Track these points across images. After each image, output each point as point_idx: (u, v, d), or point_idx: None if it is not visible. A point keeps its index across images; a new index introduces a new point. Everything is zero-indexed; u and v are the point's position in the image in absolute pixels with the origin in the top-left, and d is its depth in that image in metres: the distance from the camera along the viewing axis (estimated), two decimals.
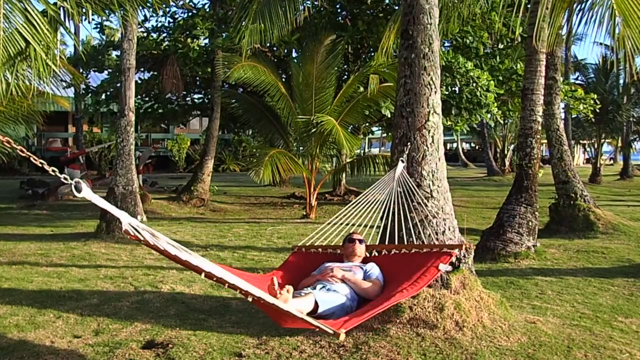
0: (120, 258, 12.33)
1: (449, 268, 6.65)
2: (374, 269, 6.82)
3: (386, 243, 7.36)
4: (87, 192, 4.22)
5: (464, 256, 7.69)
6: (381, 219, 7.48)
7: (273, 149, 19.57)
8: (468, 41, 20.84)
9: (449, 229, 7.70)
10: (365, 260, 7.13)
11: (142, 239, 4.60)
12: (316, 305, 5.90)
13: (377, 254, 7.21)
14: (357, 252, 7.08)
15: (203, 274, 4.83)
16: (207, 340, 7.14)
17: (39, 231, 15.99)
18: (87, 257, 12.44)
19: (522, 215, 12.65)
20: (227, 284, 4.91)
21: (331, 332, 5.12)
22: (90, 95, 24.95)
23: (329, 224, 7.55)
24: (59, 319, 8.06)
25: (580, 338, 7.33)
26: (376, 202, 7.57)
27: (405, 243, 7.07)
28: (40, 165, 4.29)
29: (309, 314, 5.77)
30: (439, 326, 7.03)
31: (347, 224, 7.54)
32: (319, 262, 7.26)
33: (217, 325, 7.80)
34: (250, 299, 5.08)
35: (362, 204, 7.60)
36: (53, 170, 4.26)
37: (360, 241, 7.17)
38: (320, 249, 7.56)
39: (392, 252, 7.05)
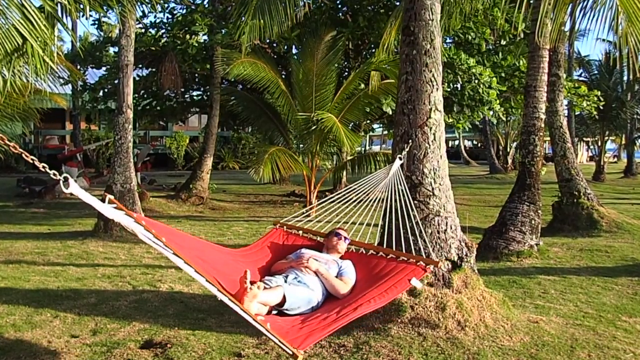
0: (118, 257, 12.33)
1: (421, 285, 6.61)
2: (348, 268, 6.77)
3: (385, 242, 7.35)
4: (73, 188, 4.24)
5: (466, 255, 7.70)
6: (382, 217, 7.47)
7: (273, 146, 19.54)
8: (470, 37, 20.82)
9: (451, 228, 7.70)
10: (343, 257, 7.09)
11: (125, 210, 4.67)
12: (284, 298, 5.92)
13: (354, 251, 7.17)
14: (339, 248, 7.05)
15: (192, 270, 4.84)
16: (206, 340, 7.14)
17: (36, 229, 15.99)
18: (84, 255, 12.44)
19: (525, 213, 12.65)
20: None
21: (290, 352, 5.09)
22: (87, 92, 24.92)
23: (321, 207, 7.58)
24: (56, 319, 8.06)
25: (583, 338, 7.33)
26: (377, 200, 7.56)
27: (404, 242, 7.05)
28: (31, 162, 4.31)
29: (275, 306, 5.89)
30: (440, 326, 7.03)
31: (349, 223, 7.53)
32: (298, 245, 7.30)
33: (216, 325, 7.81)
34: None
35: (362, 202, 7.59)
36: (43, 167, 4.28)
37: (345, 239, 7.12)
38: (301, 232, 7.54)
39: (370, 253, 7.03)
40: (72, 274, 10.73)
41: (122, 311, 8.47)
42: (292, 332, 5.44)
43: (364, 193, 7.64)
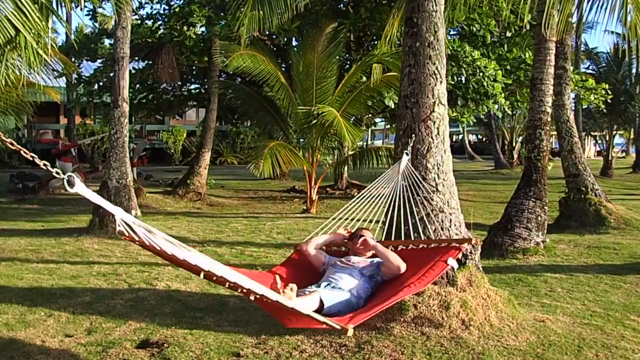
0: (114, 254, 12.32)
1: (456, 265, 6.64)
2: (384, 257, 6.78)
3: (392, 239, 7.35)
4: (80, 187, 4.17)
5: (471, 252, 7.69)
6: (385, 214, 7.46)
7: (272, 141, 19.56)
8: (475, 29, 20.81)
9: (455, 225, 7.69)
10: (372, 257, 7.02)
11: (137, 239, 4.57)
12: (321, 303, 5.87)
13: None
14: (361, 250, 6.97)
15: (202, 274, 4.80)
16: (203, 340, 7.13)
17: (29, 226, 15.99)
18: (79, 253, 12.44)
19: (531, 209, 12.64)
20: (227, 284, 4.88)
21: (339, 327, 5.11)
22: (82, 85, 24.94)
23: (333, 219, 7.53)
24: (50, 318, 8.05)
25: (591, 337, 7.33)
26: (380, 197, 7.56)
27: (410, 239, 7.06)
28: (30, 158, 4.25)
29: (315, 312, 5.71)
30: (444, 325, 7.03)
31: (351, 219, 7.53)
32: (322, 259, 7.21)
33: (214, 324, 7.80)
34: (252, 298, 5.04)
35: (366, 199, 7.58)
36: (45, 164, 4.22)
37: (371, 239, 7.03)
38: (324, 247, 7.48)
39: (399, 248, 7.01)
40: (67, 272, 10.72)
41: (117, 310, 8.47)
42: (336, 319, 5.53)
43: (376, 190, 7.62)
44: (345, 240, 7.31)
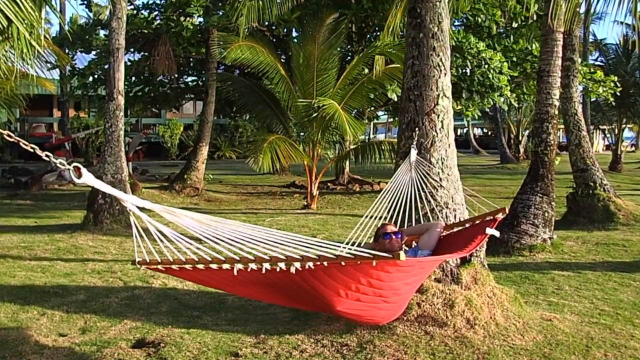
0: (109, 251, 12.33)
1: (497, 233, 6.56)
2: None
3: None
4: (88, 177, 4.14)
5: (476, 249, 7.68)
6: (388, 210, 7.45)
7: (272, 134, 19.53)
8: (480, 20, 20.80)
9: (459, 220, 7.68)
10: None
11: (160, 265, 4.57)
12: None
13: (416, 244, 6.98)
14: (396, 247, 6.57)
15: (235, 270, 4.72)
16: (201, 339, 7.14)
17: (21, 222, 15.99)
18: (73, 250, 12.45)
19: (538, 205, 12.63)
20: (268, 265, 4.75)
21: (390, 255, 4.96)
22: (76, 77, 24.93)
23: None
24: (43, 316, 8.06)
25: (599, 336, 7.33)
26: (384, 192, 7.53)
27: None
28: (31, 150, 4.21)
29: None
30: (448, 324, 7.03)
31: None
32: None
33: (212, 323, 7.81)
34: (293, 270, 4.82)
35: (388, 195, 7.46)
36: (47, 155, 4.20)
37: (396, 234, 6.67)
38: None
39: None
40: (60, 269, 10.72)
41: (112, 308, 8.47)
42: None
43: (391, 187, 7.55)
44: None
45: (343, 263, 4.83)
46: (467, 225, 6.78)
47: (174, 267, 4.72)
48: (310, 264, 4.76)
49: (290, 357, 6.57)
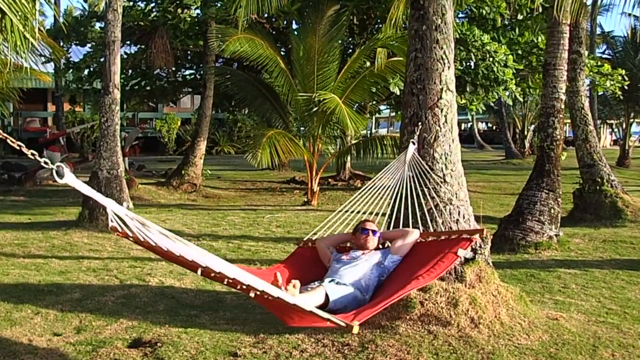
0: (105, 248, 12.33)
1: (470, 254, 6.62)
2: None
3: None
4: (70, 178, 4.16)
5: (480, 247, 7.68)
6: (390, 206, 7.45)
7: (271, 129, 19.50)
8: (484, 12, 20.78)
9: (463, 217, 7.68)
10: (378, 249, 6.99)
11: (130, 235, 4.57)
12: (327, 298, 5.83)
13: (389, 246, 7.10)
14: (370, 245, 6.91)
15: (199, 271, 4.78)
16: (199, 339, 7.13)
17: (15, 219, 15.99)
18: (68, 247, 12.44)
19: (544, 201, 12.62)
20: (226, 280, 4.86)
21: (344, 324, 5.09)
22: (71, 70, 24.91)
23: (338, 212, 7.51)
24: (37, 315, 8.05)
25: (607, 336, 7.32)
26: (385, 188, 7.53)
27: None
28: (17, 147, 4.23)
29: (320, 307, 5.68)
30: (452, 323, 7.03)
31: (353, 212, 7.51)
32: (329, 255, 7.18)
33: (210, 322, 7.80)
34: (252, 294, 5.00)
35: (370, 191, 7.56)
36: (32, 154, 4.20)
37: (374, 232, 6.97)
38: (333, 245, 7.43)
39: None
40: (55, 267, 10.72)
41: (108, 307, 8.47)
42: (341, 315, 5.48)
43: (380, 181, 7.59)
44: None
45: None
46: (442, 237, 6.77)
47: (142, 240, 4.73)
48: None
49: (290, 357, 6.56)
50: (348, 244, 7.32)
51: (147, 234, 4.59)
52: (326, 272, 6.72)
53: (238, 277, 4.81)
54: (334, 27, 19.32)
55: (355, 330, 5.14)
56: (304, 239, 7.60)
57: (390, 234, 7.04)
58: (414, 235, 6.80)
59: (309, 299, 5.61)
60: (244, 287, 4.91)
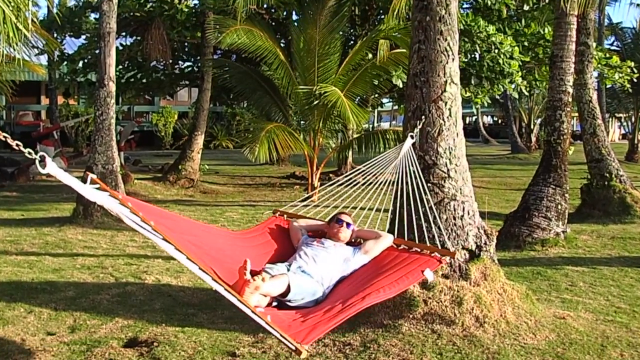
0: (100, 245, 12.33)
1: (433, 277, 6.60)
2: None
3: (396, 229, 7.31)
4: (51, 168, 4.16)
5: (486, 243, 7.68)
6: (393, 202, 7.44)
7: (270, 123, 19.47)
8: (489, 2, 20.73)
9: (468, 213, 7.68)
10: (349, 245, 6.97)
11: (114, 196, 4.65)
12: (288, 288, 5.85)
13: (362, 242, 7.05)
14: (341, 236, 6.87)
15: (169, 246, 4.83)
16: (196, 338, 7.14)
17: (7, 215, 15.98)
18: (62, 244, 12.44)
19: (551, 197, 12.62)
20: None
21: (293, 347, 5.07)
22: (65, 63, 24.88)
23: (322, 194, 7.53)
24: (30, 314, 8.05)
25: (615, 335, 7.32)
26: (386, 183, 7.52)
27: (417, 230, 7.04)
28: (3, 139, 4.25)
29: (277, 297, 5.84)
30: (457, 322, 7.03)
31: (353, 207, 7.50)
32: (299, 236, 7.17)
33: (207, 321, 7.80)
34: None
35: (370, 185, 7.55)
36: (17, 145, 4.21)
37: (348, 225, 6.94)
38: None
39: None
40: (48, 265, 10.72)
41: (103, 306, 8.47)
42: (294, 326, 5.41)
43: (373, 175, 7.59)
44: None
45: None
46: (414, 248, 6.72)
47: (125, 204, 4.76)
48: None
49: (290, 357, 6.56)
50: (320, 231, 7.30)
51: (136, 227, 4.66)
52: (294, 252, 6.72)
53: (192, 268, 4.87)
54: (335, 17, 19.28)
55: (304, 355, 5.09)
56: (281, 209, 7.55)
57: (364, 233, 7.02)
58: (387, 240, 6.78)
59: (272, 286, 5.72)
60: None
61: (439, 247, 6.73)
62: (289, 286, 5.86)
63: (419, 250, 6.64)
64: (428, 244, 6.86)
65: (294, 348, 5.01)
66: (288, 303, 5.93)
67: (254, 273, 5.53)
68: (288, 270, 6.22)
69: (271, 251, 6.81)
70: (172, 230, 5.13)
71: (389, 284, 6.00)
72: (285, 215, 7.44)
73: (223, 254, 6.14)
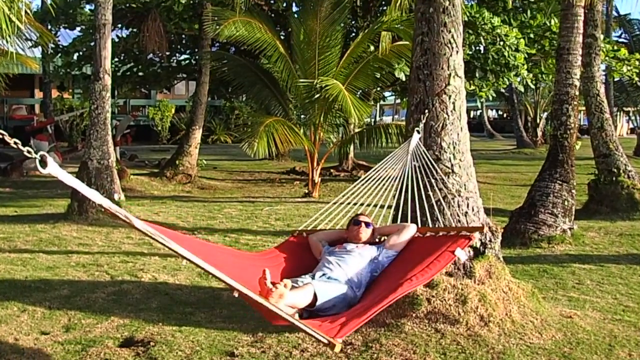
0: (95, 243, 12.32)
1: (466, 255, 6.60)
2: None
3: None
4: (53, 168, 4.12)
5: (490, 241, 7.67)
6: (395, 198, 7.43)
7: (270, 117, 19.49)
8: None
9: (473, 210, 7.67)
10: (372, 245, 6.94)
11: (121, 216, 4.56)
12: (315, 297, 5.77)
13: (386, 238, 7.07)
14: (362, 236, 6.85)
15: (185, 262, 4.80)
16: (194, 337, 7.13)
17: (0, 212, 15.97)
18: (56, 241, 12.44)
19: (557, 193, 12.61)
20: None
21: (325, 341, 5.06)
22: (60, 55, 24.94)
23: (334, 204, 7.50)
24: (24, 313, 8.05)
25: (623, 335, 7.31)
26: (389, 179, 7.52)
27: (421, 225, 7.04)
28: (0, 136, 4.21)
29: (306, 307, 5.72)
30: (461, 321, 7.02)
31: (356, 204, 7.50)
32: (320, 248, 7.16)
33: (205, 320, 7.79)
34: (236, 294, 5.01)
35: (372, 181, 7.54)
36: (15, 142, 4.17)
37: (367, 224, 6.93)
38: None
39: None
40: (42, 262, 10.71)
41: (98, 304, 8.46)
42: (325, 325, 5.41)
43: (385, 174, 7.58)
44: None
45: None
46: (440, 233, 6.70)
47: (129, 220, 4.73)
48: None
49: (290, 357, 6.56)
50: (345, 236, 7.29)
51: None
52: (317, 264, 6.70)
53: (221, 277, 4.83)
54: (336, 9, 19.27)
55: (338, 348, 5.10)
56: (298, 229, 7.56)
57: (386, 229, 7.01)
58: (410, 230, 6.74)
59: (297, 297, 5.62)
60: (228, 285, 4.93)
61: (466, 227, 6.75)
62: (315, 295, 5.81)
63: (445, 233, 6.64)
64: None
65: (326, 342, 5.01)
66: (319, 313, 5.84)
67: (274, 285, 5.49)
68: (313, 278, 6.20)
69: (294, 267, 6.73)
70: (186, 245, 5.09)
71: (421, 270, 6.01)
72: (304, 233, 7.43)
73: (241, 270, 6.09)
